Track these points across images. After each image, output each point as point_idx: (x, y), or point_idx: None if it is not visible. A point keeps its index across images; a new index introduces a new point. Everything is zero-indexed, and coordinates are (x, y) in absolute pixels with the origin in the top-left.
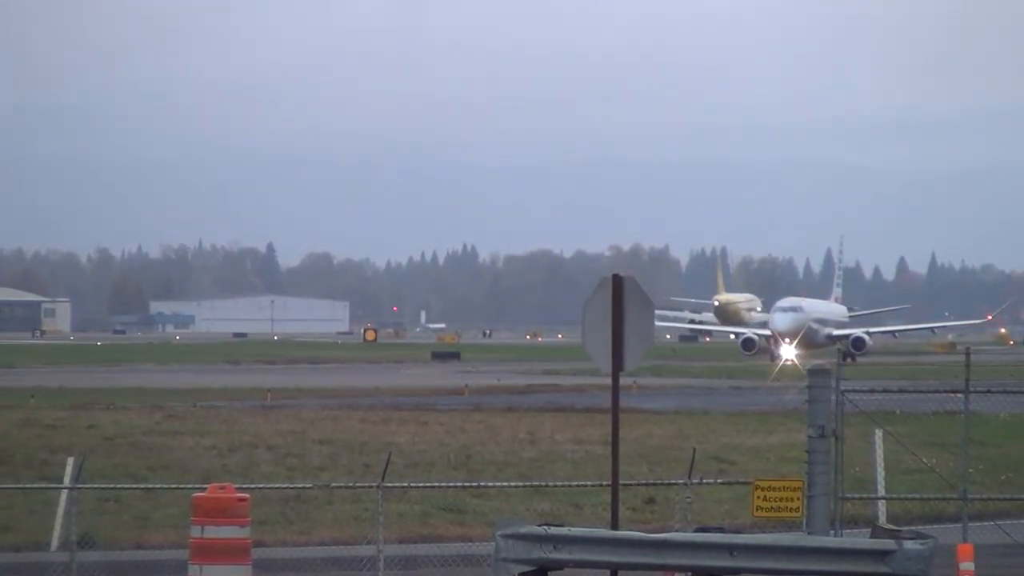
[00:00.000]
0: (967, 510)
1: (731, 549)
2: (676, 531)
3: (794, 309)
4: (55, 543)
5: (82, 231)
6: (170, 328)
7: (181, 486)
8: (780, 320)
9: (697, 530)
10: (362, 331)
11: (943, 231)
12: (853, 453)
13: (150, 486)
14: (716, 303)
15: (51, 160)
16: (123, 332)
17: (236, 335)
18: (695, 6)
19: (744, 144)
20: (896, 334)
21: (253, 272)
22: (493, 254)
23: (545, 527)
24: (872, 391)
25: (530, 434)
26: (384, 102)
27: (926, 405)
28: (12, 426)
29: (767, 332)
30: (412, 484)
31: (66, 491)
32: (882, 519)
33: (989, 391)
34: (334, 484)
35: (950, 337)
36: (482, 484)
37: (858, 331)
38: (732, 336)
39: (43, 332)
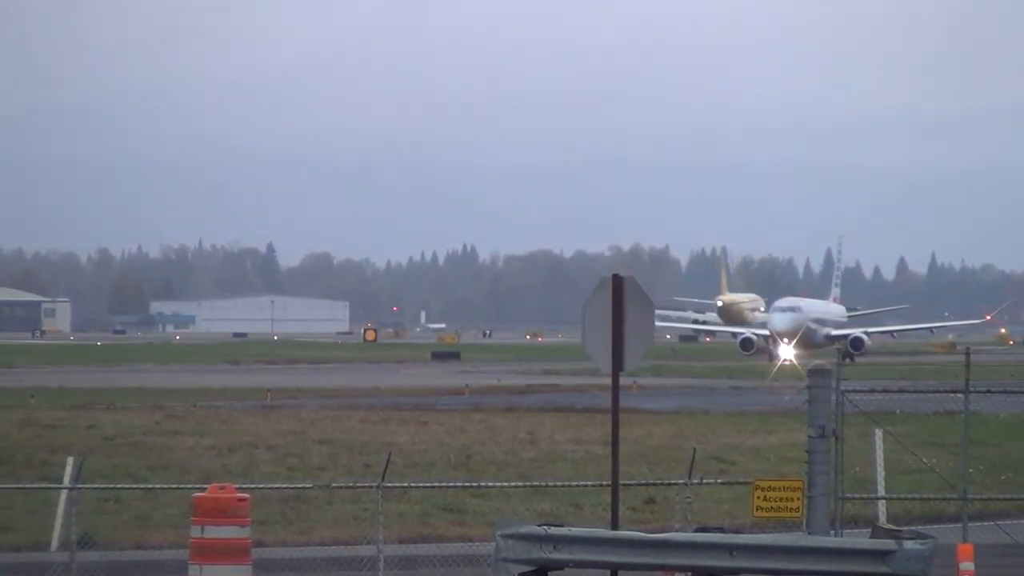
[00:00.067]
0: (967, 510)
1: (731, 549)
2: (676, 531)
3: (792, 309)
4: (55, 543)
5: (82, 231)
6: (170, 328)
7: (181, 486)
8: (778, 320)
9: (697, 530)
10: (362, 331)
11: (943, 231)
12: (853, 453)
13: (150, 486)
14: (720, 303)
15: (51, 160)
16: (123, 332)
17: (236, 335)
18: (695, 6)
19: (744, 144)
20: (895, 334)
21: (253, 272)
22: (493, 254)
23: (545, 527)
24: (872, 391)
25: (530, 434)
26: (384, 102)
27: (926, 405)
28: (12, 426)
29: (766, 332)
30: (412, 484)
31: (66, 491)
32: (882, 519)
33: (989, 391)
34: (334, 484)
35: (950, 337)
36: (482, 484)
37: (856, 331)
38: (733, 336)
39: (43, 332)
